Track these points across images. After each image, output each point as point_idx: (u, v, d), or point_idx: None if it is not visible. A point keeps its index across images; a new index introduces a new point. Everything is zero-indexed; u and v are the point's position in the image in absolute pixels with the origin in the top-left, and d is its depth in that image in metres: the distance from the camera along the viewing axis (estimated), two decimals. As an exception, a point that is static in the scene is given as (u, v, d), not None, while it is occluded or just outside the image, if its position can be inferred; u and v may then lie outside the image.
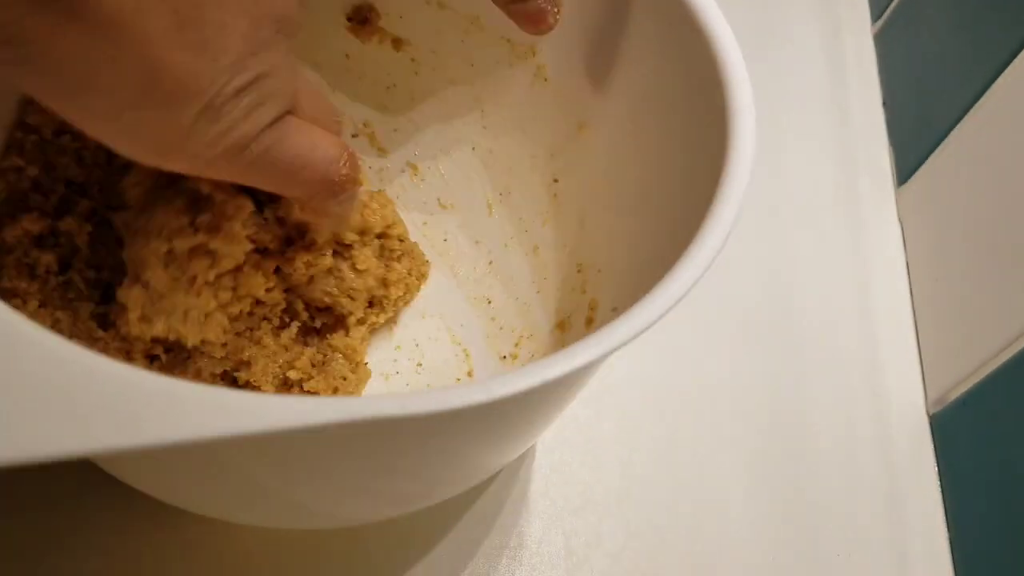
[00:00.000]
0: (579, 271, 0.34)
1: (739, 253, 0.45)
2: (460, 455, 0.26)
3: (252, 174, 0.24)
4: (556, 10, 0.30)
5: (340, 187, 0.27)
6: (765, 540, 0.37)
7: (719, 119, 0.25)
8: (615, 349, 0.20)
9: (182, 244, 0.26)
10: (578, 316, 0.32)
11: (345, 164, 0.26)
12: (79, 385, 0.16)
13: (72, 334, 0.28)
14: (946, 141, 0.44)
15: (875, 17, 0.55)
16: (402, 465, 0.25)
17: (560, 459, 0.37)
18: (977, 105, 0.42)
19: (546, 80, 0.34)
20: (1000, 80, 0.41)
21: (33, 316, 0.28)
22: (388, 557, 0.34)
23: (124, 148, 0.22)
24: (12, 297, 0.28)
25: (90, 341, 0.28)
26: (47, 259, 0.29)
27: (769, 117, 0.50)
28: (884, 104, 0.52)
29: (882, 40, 0.54)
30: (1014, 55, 0.40)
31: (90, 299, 0.29)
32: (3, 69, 0.19)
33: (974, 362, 0.38)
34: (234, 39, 0.21)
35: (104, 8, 0.18)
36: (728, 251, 0.43)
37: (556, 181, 0.35)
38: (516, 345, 0.35)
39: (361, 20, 0.35)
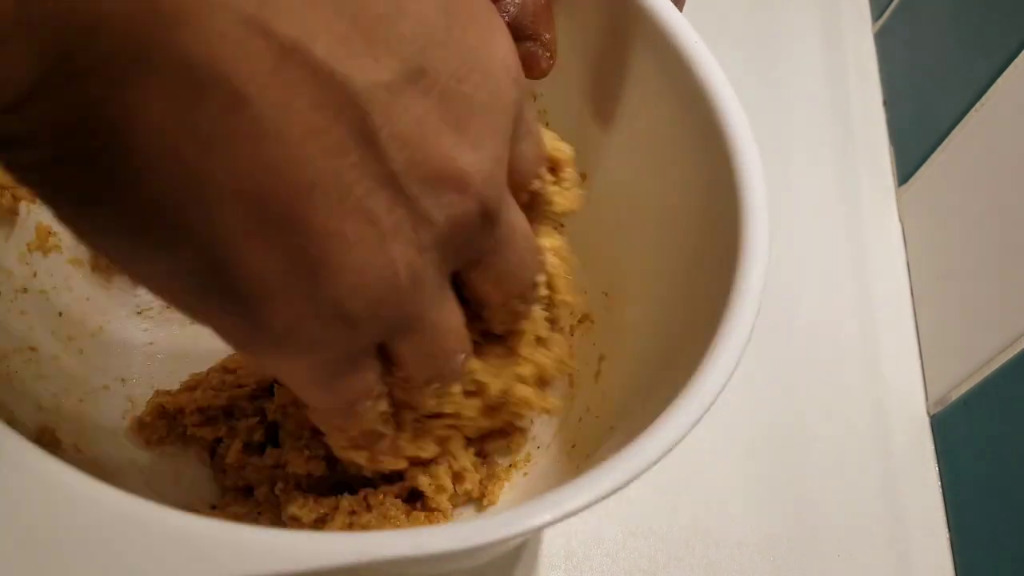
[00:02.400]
0: (580, 321, 0.34)
1: (739, 253, 0.45)
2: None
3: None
4: (549, 55, 0.28)
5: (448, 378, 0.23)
6: (765, 540, 0.37)
7: (725, 176, 0.24)
8: (614, 491, 0.20)
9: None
10: (587, 370, 0.33)
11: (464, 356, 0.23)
12: (123, 537, 0.17)
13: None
14: (947, 140, 0.44)
15: (876, 16, 0.55)
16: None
17: (560, 459, 0.37)
18: (978, 104, 0.42)
19: (547, 125, 0.33)
20: (1001, 79, 0.41)
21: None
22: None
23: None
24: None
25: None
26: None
27: (769, 116, 0.50)
28: (885, 103, 0.52)
29: (883, 39, 0.53)
30: (1015, 54, 0.40)
31: None
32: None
33: (975, 362, 0.38)
34: None
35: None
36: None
37: (561, 226, 0.35)
38: None
39: None
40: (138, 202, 0.16)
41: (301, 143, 0.16)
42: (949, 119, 0.44)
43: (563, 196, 0.26)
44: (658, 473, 0.37)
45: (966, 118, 0.43)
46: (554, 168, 0.27)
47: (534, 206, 0.25)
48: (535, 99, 0.33)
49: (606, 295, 0.33)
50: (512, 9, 0.27)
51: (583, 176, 0.33)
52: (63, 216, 0.17)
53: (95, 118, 0.15)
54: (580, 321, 0.34)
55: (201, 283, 0.17)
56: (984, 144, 0.42)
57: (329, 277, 0.17)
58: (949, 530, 0.39)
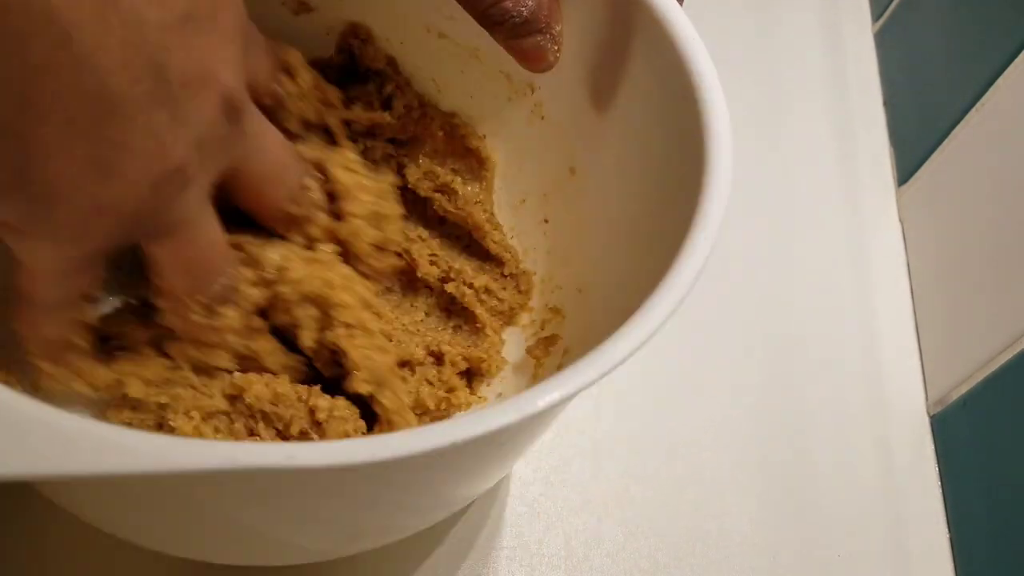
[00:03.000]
0: (551, 314, 0.34)
1: (740, 253, 0.45)
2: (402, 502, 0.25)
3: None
4: (556, 48, 0.28)
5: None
6: (765, 540, 0.37)
7: (698, 178, 0.25)
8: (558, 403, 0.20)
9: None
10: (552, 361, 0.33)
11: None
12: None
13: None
14: (947, 140, 0.44)
15: (876, 16, 0.55)
16: (348, 504, 0.24)
17: (559, 460, 0.37)
18: (978, 104, 0.42)
19: (543, 119, 0.33)
20: (1001, 79, 0.41)
21: None
22: (387, 559, 0.34)
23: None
24: None
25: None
26: None
27: (769, 116, 0.50)
28: (885, 103, 0.52)
29: (883, 39, 0.53)
30: (1015, 54, 0.40)
31: None
32: None
33: (975, 362, 0.38)
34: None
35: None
36: (729, 251, 0.44)
37: (546, 222, 0.35)
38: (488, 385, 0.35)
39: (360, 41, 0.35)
40: None
41: (110, 73, 0.20)
42: (949, 119, 0.44)
43: (304, 100, 0.29)
44: (658, 473, 0.38)
45: (966, 118, 0.43)
46: (290, 72, 0.29)
47: (278, 110, 0.28)
48: (532, 92, 0.33)
49: (580, 292, 0.33)
50: (531, 3, 0.27)
51: (572, 171, 0.33)
52: None
53: None
54: (551, 315, 0.34)
55: (5, 180, 0.20)
56: (984, 144, 0.42)
57: (113, 181, 0.21)
58: (949, 530, 0.39)
